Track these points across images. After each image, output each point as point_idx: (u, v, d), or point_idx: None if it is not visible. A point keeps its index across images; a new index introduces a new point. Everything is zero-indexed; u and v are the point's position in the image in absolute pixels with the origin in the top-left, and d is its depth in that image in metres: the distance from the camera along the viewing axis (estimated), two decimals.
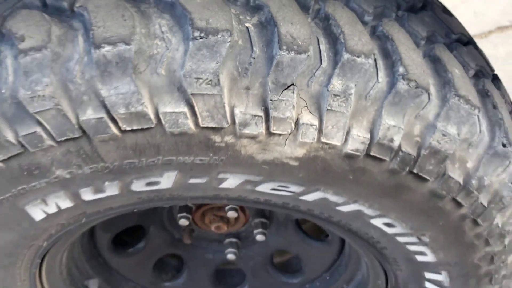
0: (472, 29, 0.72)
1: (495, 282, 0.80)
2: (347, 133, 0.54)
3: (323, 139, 0.54)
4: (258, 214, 1.00)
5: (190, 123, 0.51)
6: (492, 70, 0.67)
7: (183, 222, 0.94)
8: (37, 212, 0.64)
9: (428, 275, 0.77)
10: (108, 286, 1.02)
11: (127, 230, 1.03)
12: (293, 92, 0.51)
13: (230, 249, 1.03)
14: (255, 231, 0.99)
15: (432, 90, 0.57)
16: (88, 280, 0.98)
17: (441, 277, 0.78)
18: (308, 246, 1.03)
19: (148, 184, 0.59)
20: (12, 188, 0.59)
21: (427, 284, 0.79)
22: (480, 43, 0.70)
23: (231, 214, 0.93)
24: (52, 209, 0.63)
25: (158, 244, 1.05)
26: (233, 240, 1.04)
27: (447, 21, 0.67)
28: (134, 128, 0.52)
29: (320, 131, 0.53)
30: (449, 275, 0.77)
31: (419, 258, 0.73)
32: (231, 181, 0.59)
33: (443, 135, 0.56)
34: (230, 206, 0.93)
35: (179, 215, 0.94)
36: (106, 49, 0.49)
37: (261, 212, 0.99)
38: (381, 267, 0.80)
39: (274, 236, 1.03)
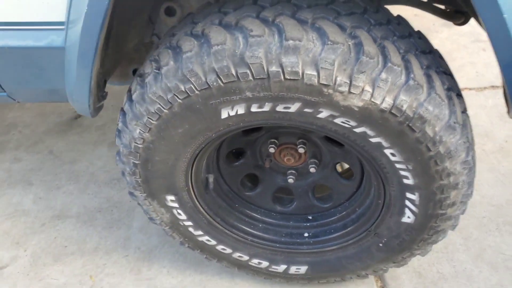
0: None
1: (443, 208, 1.41)
2: (383, 99, 1.17)
3: (372, 100, 1.17)
4: (313, 157, 1.63)
5: (315, 80, 1.15)
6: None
7: (271, 150, 1.58)
8: (224, 113, 1.27)
9: (408, 194, 1.38)
10: (217, 183, 1.67)
11: (237, 150, 1.68)
12: (363, 75, 1.15)
13: (291, 177, 1.66)
14: (310, 166, 1.63)
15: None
16: (208, 174, 1.63)
17: (415, 197, 1.39)
18: (338, 182, 1.66)
19: (285, 107, 1.22)
20: (221, 97, 1.23)
21: (406, 201, 1.41)
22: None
23: (300, 150, 1.57)
24: (232, 113, 1.27)
25: (249, 164, 1.69)
26: (293, 171, 1.68)
27: None
28: (288, 78, 1.16)
29: (372, 95, 1.16)
30: (419, 196, 1.38)
31: (405, 181, 1.34)
32: (324, 114, 1.22)
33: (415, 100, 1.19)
34: (300, 144, 1.57)
35: (270, 145, 1.59)
36: (289, 42, 1.14)
37: (315, 155, 1.63)
38: (383, 188, 1.42)
39: (320, 173, 1.67)
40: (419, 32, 1.35)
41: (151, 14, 1.69)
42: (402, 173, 1.30)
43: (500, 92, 2.75)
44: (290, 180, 1.64)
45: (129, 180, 1.53)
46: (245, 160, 1.67)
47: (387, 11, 1.34)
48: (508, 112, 1.33)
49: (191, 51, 1.20)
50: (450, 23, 1.66)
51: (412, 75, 1.15)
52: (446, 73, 1.29)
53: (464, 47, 3.12)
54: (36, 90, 1.51)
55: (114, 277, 1.95)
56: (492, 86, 2.77)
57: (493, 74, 2.86)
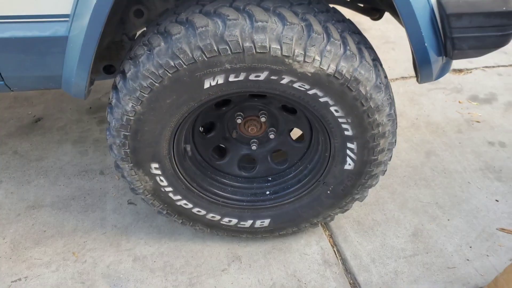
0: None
1: (375, 154, 1.82)
2: (328, 66, 1.56)
3: (320, 67, 1.55)
4: (271, 126, 1.99)
5: (279, 52, 1.52)
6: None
7: (238, 120, 1.92)
8: (206, 83, 1.59)
9: (348, 144, 1.77)
10: (192, 153, 1.97)
11: (208, 124, 2.00)
12: (314, 47, 1.53)
13: (254, 145, 2.01)
14: (269, 134, 1.98)
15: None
16: (186, 145, 1.93)
17: (353, 146, 1.78)
18: (292, 145, 2.03)
19: (256, 76, 1.57)
20: (205, 70, 1.55)
21: (347, 151, 1.79)
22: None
23: (262, 119, 1.92)
24: (213, 83, 1.59)
25: (218, 136, 2.02)
26: (256, 140, 2.02)
27: None
28: (259, 51, 1.52)
29: (320, 63, 1.55)
30: (357, 145, 1.78)
31: (346, 133, 1.72)
32: (285, 80, 1.58)
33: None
34: (262, 115, 1.92)
35: (237, 117, 1.93)
36: (258, 23, 1.50)
37: (273, 124, 1.99)
38: (329, 142, 1.81)
39: (277, 139, 2.03)
40: (349, 20, 1.77)
41: (122, 15, 1.97)
42: (344, 126, 1.69)
43: (409, 82, 3.32)
44: (254, 147, 1.98)
45: (117, 153, 1.79)
46: (215, 133, 2.00)
47: (326, 3, 1.75)
48: (417, 80, 1.78)
49: (179, 33, 1.52)
50: (364, 28, 2.12)
51: (348, 47, 1.56)
52: (371, 48, 1.72)
53: (376, 47, 3.69)
54: (35, 77, 1.74)
55: (96, 251, 2.16)
56: (402, 77, 3.33)
57: (402, 68, 3.44)
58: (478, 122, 2.96)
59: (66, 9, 1.53)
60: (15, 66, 1.69)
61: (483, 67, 3.53)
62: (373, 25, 3.58)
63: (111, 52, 2.11)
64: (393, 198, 2.39)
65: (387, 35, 3.87)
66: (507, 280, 1.75)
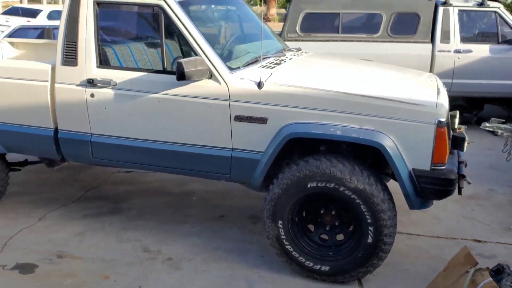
0: None
1: (382, 235, 3.75)
2: (365, 188, 3.69)
3: (360, 187, 3.70)
4: (337, 218, 4.09)
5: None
6: None
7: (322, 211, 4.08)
8: (309, 185, 3.82)
9: (369, 227, 3.76)
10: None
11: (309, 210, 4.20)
12: (360, 181, 3.71)
13: (328, 226, 4.12)
14: (335, 222, 4.09)
15: None
16: (295, 217, 4.13)
17: (372, 228, 3.77)
18: (345, 231, 4.09)
19: (335, 189, 3.77)
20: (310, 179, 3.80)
21: (368, 231, 3.78)
22: None
23: (333, 213, 4.06)
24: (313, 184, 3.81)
25: (308, 219, 4.18)
26: (328, 225, 4.13)
27: None
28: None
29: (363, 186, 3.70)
30: (374, 228, 3.75)
31: (368, 220, 3.75)
32: (348, 192, 3.75)
33: None
34: (333, 211, 4.06)
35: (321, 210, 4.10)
36: None
37: (338, 217, 4.09)
38: (359, 227, 3.82)
39: (339, 227, 4.11)
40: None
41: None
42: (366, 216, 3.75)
43: None
44: (327, 228, 4.07)
45: (265, 213, 4.02)
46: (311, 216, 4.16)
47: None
48: (409, 207, 3.84)
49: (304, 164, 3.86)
50: None
51: (377, 185, 3.74)
52: (386, 188, 3.87)
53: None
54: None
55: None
56: None
57: None
58: None
59: (263, 148, 3.96)
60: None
61: None
62: None
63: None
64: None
65: None
66: None
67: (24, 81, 4.06)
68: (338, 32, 8.51)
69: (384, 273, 3.83)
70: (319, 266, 3.97)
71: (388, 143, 3.44)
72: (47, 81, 4.04)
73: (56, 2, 43.37)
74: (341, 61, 4.91)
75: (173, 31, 3.92)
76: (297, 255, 3.95)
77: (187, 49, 3.92)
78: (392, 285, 3.93)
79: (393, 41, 8.36)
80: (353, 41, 8.44)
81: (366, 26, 8.68)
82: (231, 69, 3.78)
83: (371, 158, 3.95)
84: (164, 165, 4.14)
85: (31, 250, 4.12)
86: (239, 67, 3.85)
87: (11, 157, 4.84)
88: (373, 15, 8.59)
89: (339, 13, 8.46)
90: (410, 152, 3.58)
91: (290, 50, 5.02)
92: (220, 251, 4.21)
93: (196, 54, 3.70)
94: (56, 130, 4.17)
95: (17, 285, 3.60)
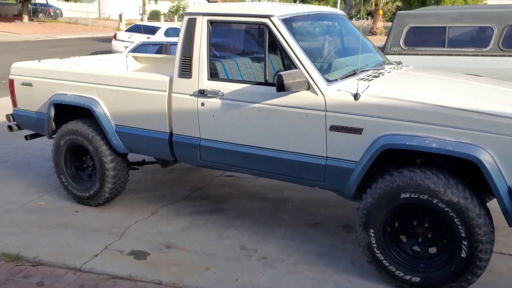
0: None
1: (477, 251, 3.68)
2: (459, 200, 3.68)
3: (452, 199, 3.69)
4: (430, 231, 4.09)
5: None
6: None
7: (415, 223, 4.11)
8: (402, 196, 3.89)
9: (463, 241, 3.72)
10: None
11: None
12: (454, 193, 3.70)
13: (420, 238, 4.13)
14: (428, 234, 4.08)
15: None
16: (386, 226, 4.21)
17: (466, 243, 3.72)
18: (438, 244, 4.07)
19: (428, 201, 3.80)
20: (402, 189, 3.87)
21: (462, 245, 3.73)
22: None
23: (426, 225, 4.06)
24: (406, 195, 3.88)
25: (399, 230, 4.22)
26: (421, 238, 4.15)
27: None
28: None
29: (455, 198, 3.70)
30: (468, 243, 3.70)
31: (462, 234, 3.71)
32: (442, 205, 3.76)
33: None
34: (425, 223, 4.06)
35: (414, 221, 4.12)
36: None
37: (432, 230, 4.08)
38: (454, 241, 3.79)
39: (432, 239, 4.10)
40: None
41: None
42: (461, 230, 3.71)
43: None
44: (420, 239, 4.09)
45: (358, 221, 4.15)
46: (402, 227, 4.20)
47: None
48: (508, 224, 3.73)
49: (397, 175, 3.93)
50: None
51: (473, 201, 3.71)
52: (484, 203, 3.80)
53: None
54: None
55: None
56: None
57: None
58: None
59: (357, 158, 4.11)
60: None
61: None
62: None
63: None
64: None
65: None
66: None
67: (146, 90, 4.63)
68: (444, 46, 8.30)
69: None
70: (409, 277, 3.99)
71: (486, 157, 3.41)
72: (166, 91, 4.55)
73: (172, 20, 46.84)
74: (442, 76, 4.89)
75: (275, 46, 4.22)
76: (387, 264, 4.01)
77: (288, 63, 4.22)
78: None
79: (505, 55, 7.96)
80: (460, 55, 8.17)
81: (475, 40, 8.35)
82: (328, 81, 3.97)
83: (470, 175, 3.91)
84: (263, 170, 4.45)
85: (144, 239, 4.66)
86: (336, 79, 4.04)
87: (131, 157, 5.52)
88: (483, 29, 8.24)
89: (445, 27, 8.26)
90: (509, 167, 3.50)
91: (390, 63, 5.11)
92: (311, 255, 4.42)
93: (295, 67, 3.97)
94: (171, 134, 4.66)
95: (133, 269, 4.10)
